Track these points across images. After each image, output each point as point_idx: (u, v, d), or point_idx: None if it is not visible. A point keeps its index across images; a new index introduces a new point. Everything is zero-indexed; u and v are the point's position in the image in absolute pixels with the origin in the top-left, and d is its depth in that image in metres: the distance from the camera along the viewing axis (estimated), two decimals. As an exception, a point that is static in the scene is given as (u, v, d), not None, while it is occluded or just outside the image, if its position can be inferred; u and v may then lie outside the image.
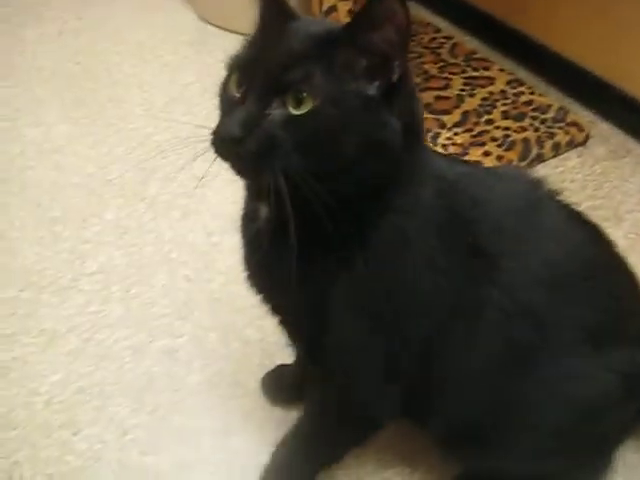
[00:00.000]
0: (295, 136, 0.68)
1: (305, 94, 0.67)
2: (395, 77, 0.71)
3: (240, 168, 0.71)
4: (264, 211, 0.80)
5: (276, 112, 0.68)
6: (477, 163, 1.11)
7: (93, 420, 1.10)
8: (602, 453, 0.98)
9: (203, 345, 1.21)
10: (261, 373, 1.15)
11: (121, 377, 1.16)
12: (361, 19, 0.70)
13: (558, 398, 0.85)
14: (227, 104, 0.74)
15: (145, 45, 1.95)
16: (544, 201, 0.86)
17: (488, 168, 0.89)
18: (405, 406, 0.88)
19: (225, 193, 1.48)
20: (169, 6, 2.11)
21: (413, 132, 0.76)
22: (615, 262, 0.91)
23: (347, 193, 0.72)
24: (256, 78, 0.70)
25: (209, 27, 2.03)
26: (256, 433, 1.09)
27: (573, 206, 0.90)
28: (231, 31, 1.98)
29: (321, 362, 0.87)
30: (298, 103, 0.68)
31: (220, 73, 2.08)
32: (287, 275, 0.78)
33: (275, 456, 1.00)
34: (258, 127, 0.68)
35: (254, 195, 0.82)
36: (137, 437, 1.08)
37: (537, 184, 0.87)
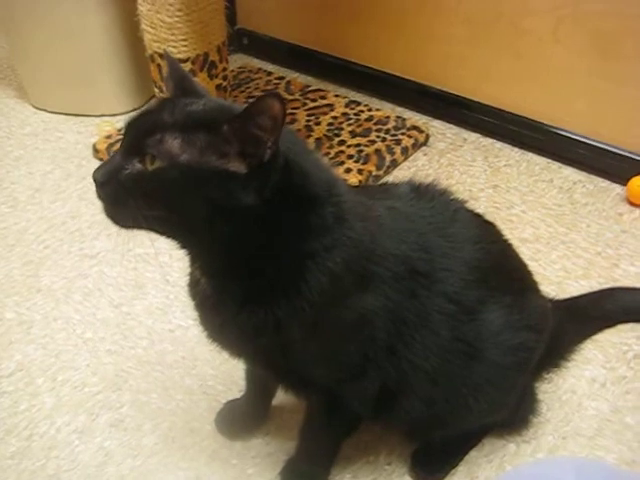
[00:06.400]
0: (143, 188, 0.77)
1: (155, 156, 0.76)
2: (266, 157, 0.75)
3: (104, 209, 0.81)
4: (202, 276, 0.89)
5: (134, 167, 0.77)
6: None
7: (61, 510, 1.10)
8: (527, 392, 1.16)
9: (147, 407, 1.23)
10: (212, 416, 1.20)
11: (76, 461, 1.15)
12: (242, 116, 0.74)
13: (499, 365, 1.00)
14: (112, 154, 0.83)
15: (-12, 146, 1.93)
16: (458, 212, 1.01)
17: (406, 194, 0.99)
18: (375, 406, 0.98)
19: (121, 265, 1.51)
20: (1, 104, 2.10)
21: (307, 194, 0.81)
22: (507, 246, 1.09)
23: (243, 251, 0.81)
24: (127, 138, 0.80)
25: (48, 115, 2.03)
26: (226, 469, 1.13)
27: (474, 210, 1.06)
28: (70, 114, 2.00)
29: (300, 387, 0.98)
30: (152, 162, 0.77)
31: (79, 155, 2.11)
32: (240, 330, 0.88)
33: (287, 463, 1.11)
34: (116, 178, 0.78)
35: (191, 262, 0.90)
36: (113, 511, 1.09)
37: (448, 195, 1.02)
